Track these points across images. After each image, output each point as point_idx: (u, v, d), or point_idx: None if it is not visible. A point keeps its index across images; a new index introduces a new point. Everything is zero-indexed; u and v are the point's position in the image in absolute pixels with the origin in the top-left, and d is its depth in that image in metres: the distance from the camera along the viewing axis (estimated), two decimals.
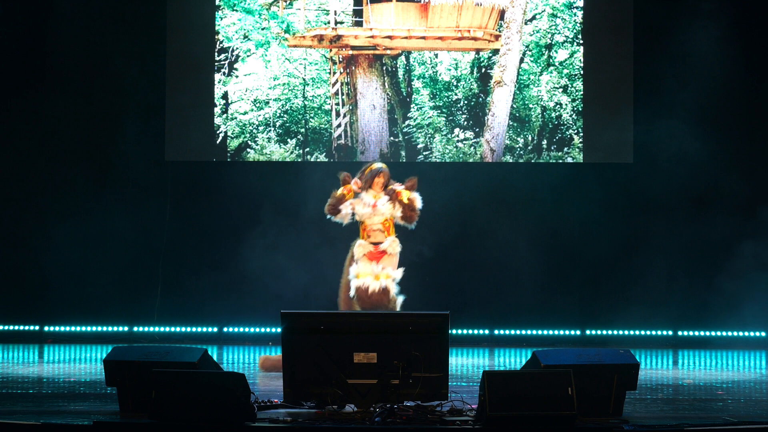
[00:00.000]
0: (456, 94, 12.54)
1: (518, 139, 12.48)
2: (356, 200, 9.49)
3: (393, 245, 9.40)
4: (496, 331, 12.31)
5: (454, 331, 11.83)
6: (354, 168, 12.40)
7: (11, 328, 12.42)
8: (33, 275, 12.35)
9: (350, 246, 9.52)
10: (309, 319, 6.92)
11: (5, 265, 12.43)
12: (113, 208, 12.47)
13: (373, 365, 6.57)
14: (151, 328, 12.39)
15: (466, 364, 10.14)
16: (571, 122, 12.47)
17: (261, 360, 9.40)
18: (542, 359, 6.70)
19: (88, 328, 12.38)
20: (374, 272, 9.23)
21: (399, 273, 9.33)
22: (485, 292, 12.25)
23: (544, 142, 12.48)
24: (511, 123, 12.48)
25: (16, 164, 12.48)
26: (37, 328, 12.43)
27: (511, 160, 12.48)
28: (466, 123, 12.52)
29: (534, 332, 12.22)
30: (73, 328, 12.43)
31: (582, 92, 12.43)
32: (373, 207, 9.42)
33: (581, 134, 12.44)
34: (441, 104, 12.55)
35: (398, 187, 9.54)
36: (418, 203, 9.49)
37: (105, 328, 12.39)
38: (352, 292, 9.23)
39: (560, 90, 12.48)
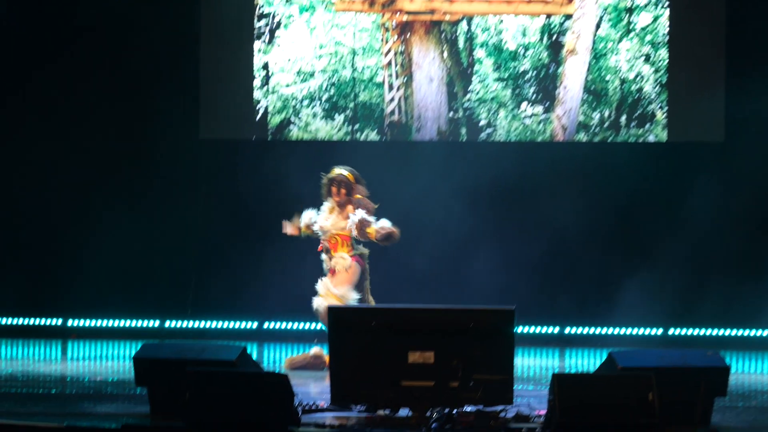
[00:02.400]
0: (523, 65, 12.51)
1: (593, 114, 12.43)
2: (308, 216, 9.88)
3: (340, 263, 9.62)
4: (566, 330, 12.29)
5: (519, 329, 11.83)
6: (408, 147, 12.47)
7: (32, 322, 12.60)
8: (55, 264, 12.53)
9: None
10: (359, 314, 6.97)
11: (26, 255, 12.61)
12: (142, 192, 12.60)
13: (430, 366, 6.60)
14: (185, 323, 12.51)
15: (533, 366, 10.15)
16: (653, 96, 12.40)
17: (286, 362, 9.65)
18: (619, 361, 6.70)
19: (116, 323, 12.52)
20: (325, 289, 9.52)
21: (349, 294, 9.51)
22: (553, 286, 12.22)
23: (623, 118, 12.42)
24: (585, 97, 12.43)
25: (37, 146, 12.64)
26: (60, 322, 12.60)
27: (585, 139, 12.43)
28: (534, 97, 12.49)
29: (610, 331, 12.18)
30: (99, 323, 12.58)
31: (667, 62, 12.35)
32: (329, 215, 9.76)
33: (665, 109, 12.37)
34: (506, 76, 12.53)
35: (369, 221, 9.63)
36: (379, 233, 9.62)
37: (134, 323, 12.52)
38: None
39: (642, 59, 12.41)
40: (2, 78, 12.73)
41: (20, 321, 12.62)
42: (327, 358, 9.42)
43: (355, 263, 9.62)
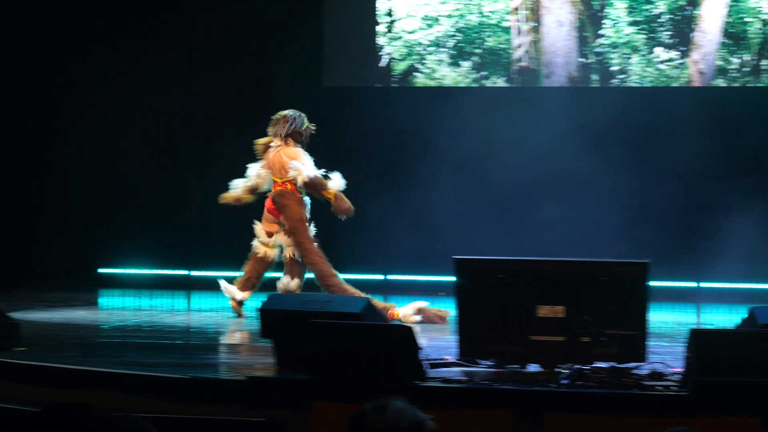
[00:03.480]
0: (658, 7, 12.21)
1: (732, 59, 12.10)
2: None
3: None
4: (702, 284, 12.04)
5: (654, 283, 11.63)
6: (535, 94, 12.31)
7: (157, 272, 12.81)
8: (181, 214, 12.70)
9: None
10: (486, 266, 6.89)
11: (151, 206, 12.81)
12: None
13: (560, 320, 6.50)
14: (308, 274, 12.57)
15: (668, 321, 9.98)
16: None
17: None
18: (761, 317, 6.52)
19: (240, 274, 12.62)
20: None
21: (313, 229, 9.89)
22: (690, 236, 11.97)
23: (765, 62, 12.06)
24: (724, 40, 12.09)
25: (159, 95, 12.79)
26: (185, 273, 12.78)
27: (723, 84, 12.12)
28: (669, 41, 12.20)
29: (750, 286, 11.90)
30: (222, 273, 12.72)
31: None
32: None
33: None
34: (640, 19, 12.25)
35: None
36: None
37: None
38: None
39: None
40: (117, 27, 12.89)
41: (145, 271, 12.84)
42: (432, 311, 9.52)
43: None
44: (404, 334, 6.36)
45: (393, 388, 4.40)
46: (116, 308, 11.40)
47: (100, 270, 13.07)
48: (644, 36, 12.25)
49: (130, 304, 11.42)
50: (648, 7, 12.23)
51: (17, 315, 8.29)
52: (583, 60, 12.35)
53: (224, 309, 10.22)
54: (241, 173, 12.56)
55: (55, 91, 13.16)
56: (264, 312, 7.01)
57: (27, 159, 13.31)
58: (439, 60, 12.55)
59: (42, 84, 13.19)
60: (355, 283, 12.28)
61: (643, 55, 12.25)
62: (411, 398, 3.50)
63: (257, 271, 9.81)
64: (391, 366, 6.24)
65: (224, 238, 12.58)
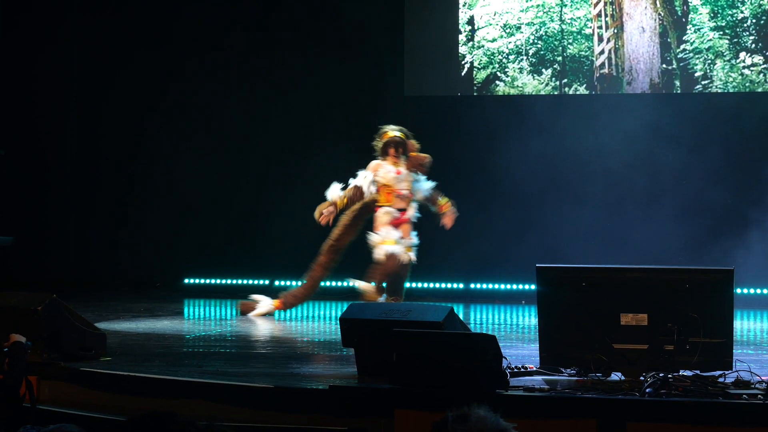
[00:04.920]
0: (742, 12, 12.08)
1: None
2: (373, 166, 10.09)
3: (414, 214, 10.15)
4: None
5: (738, 290, 11.50)
6: (617, 101, 12.23)
7: (241, 282, 12.93)
8: (262, 225, 12.82)
9: (357, 205, 10.09)
10: (569, 274, 6.87)
11: (237, 218, 12.94)
12: (347, 152, 12.72)
13: (644, 328, 6.46)
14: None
15: (753, 329, 9.86)
16: None
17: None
18: None
19: (322, 283, 12.69)
20: (403, 242, 9.97)
21: (416, 239, 10.10)
22: None
23: None
24: None
25: (238, 114, 12.93)
26: (267, 282, 12.88)
27: None
28: (754, 46, 12.06)
29: None
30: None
31: None
32: (398, 173, 10.03)
33: None
34: (723, 24, 12.13)
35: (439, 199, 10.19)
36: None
37: (338, 284, 12.68)
38: (381, 258, 9.90)
39: None
40: (204, 41, 13.06)
41: (228, 281, 12.96)
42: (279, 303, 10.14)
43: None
44: (487, 342, 6.36)
45: (475, 396, 4.41)
46: (201, 318, 11.52)
47: (186, 280, 13.23)
48: (728, 41, 12.13)
49: (214, 314, 11.53)
50: (732, 11, 12.11)
51: (103, 325, 8.42)
52: (666, 66, 12.25)
53: (305, 318, 10.28)
54: (326, 183, 12.64)
55: (144, 103, 13.35)
56: (345, 321, 7.04)
57: (114, 169, 13.51)
58: (520, 68, 12.53)
59: (131, 97, 13.39)
60: (435, 293, 12.33)
61: (726, 60, 12.13)
62: (493, 407, 3.51)
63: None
64: (473, 375, 6.24)
65: (305, 247, 12.66)
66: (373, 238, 10.07)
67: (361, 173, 10.14)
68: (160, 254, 13.18)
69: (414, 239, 10.10)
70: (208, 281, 13.09)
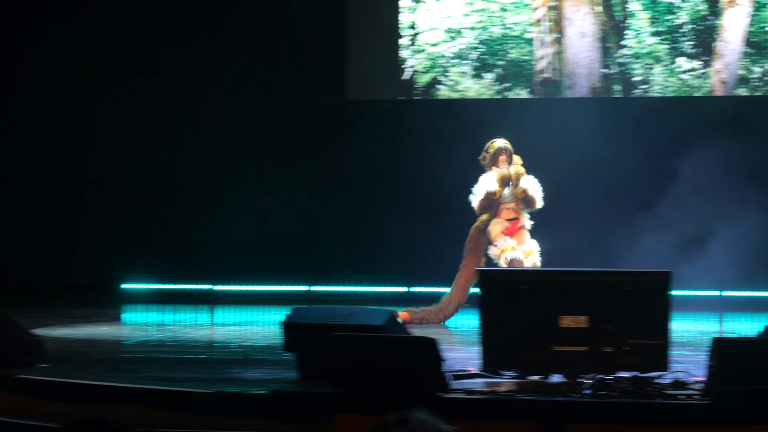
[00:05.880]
0: (680, 17, 12.22)
1: (754, 68, 12.09)
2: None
3: (527, 221, 10.13)
4: (725, 292, 12.02)
5: (676, 292, 11.62)
6: (559, 106, 12.32)
7: (181, 287, 12.87)
8: (204, 230, 12.76)
9: (473, 228, 10.13)
10: (510, 277, 6.91)
11: (176, 222, 12.88)
12: (288, 156, 12.72)
13: (583, 330, 6.51)
14: (333, 288, 12.62)
15: (690, 330, 9.96)
16: None
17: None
18: None
19: (263, 288, 12.69)
20: (522, 249, 9.94)
21: (537, 246, 10.04)
22: (713, 247, 11.94)
23: None
24: (746, 49, 12.09)
25: (176, 116, 12.88)
26: (208, 287, 12.84)
27: (746, 93, 12.10)
28: (692, 51, 12.20)
29: None
30: (246, 288, 12.77)
31: None
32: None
33: None
34: (662, 29, 12.26)
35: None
36: (533, 191, 10.07)
37: (281, 288, 12.67)
38: (504, 266, 9.83)
39: None
40: (143, 40, 12.99)
41: (169, 286, 12.90)
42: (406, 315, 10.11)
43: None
44: (428, 346, 6.38)
45: (416, 399, 4.43)
46: (139, 323, 11.46)
47: (124, 285, 13.14)
48: (667, 46, 12.26)
49: (154, 319, 11.47)
50: (670, 17, 12.24)
51: (40, 331, 8.35)
52: (606, 71, 12.36)
53: (246, 322, 10.24)
54: (268, 186, 12.64)
55: (85, 104, 13.24)
56: (287, 325, 7.04)
57: (51, 175, 13.38)
58: (462, 72, 12.59)
59: (69, 97, 13.27)
60: (377, 297, 12.35)
61: (665, 65, 12.26)
62: (434, 410, 3.53)
63: None
64: (414, 378, 6.26)
65: (247, 252, 12.64)
66: (492, 251, 10.04)
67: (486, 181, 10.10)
68: (98, 259, 13.08)
69: (532, 245, 10.02)
70: (147, 286, 13.01)
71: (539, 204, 10.08)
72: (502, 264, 9.88)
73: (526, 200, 10.06)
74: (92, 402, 6.67)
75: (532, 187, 10.07)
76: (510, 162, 10.18)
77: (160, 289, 12.92)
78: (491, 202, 10.06)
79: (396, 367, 6.28)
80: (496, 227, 10.05)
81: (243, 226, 12.61)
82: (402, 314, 10.25)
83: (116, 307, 12.14)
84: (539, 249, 10.03)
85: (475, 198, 10.13)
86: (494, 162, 10.16)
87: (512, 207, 10.09)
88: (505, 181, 10.07)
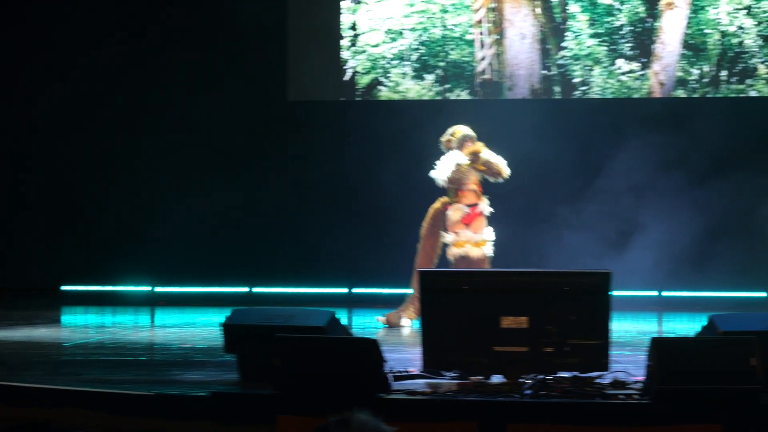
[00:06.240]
0: (619, 20, 12.32)
1: (692, 70, 12.22)
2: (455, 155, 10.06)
3: (486, 208, 10.03)
4: (664, 293, 12.14)
5: (616, 292, 11.72)
6: (499, 107, 12.38)
7: (121, 289, 12.79)
8: (144, 231, 12.69)
9: (429, 212, 10.04)
10: (450, 278, 6.94)
11: (116, 222, 12.79)
12: (229, 157, 12.68)
13: (524, 331, 6.55)
14: (274, 289, 12.60)
15: (630, 330, 10.04)
16: (755, 49, 12.15)
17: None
18: (720, 325, 6.58)
19: (204, 289, 12.65)
20: (473, 239, 9.87)
21: (492, 234, 9.97)
22: (651, 248, 12.06)
23: (724, 73, 12.19)
24: (684, 52, 12.22)
25: (119, 116, 12.80)
26: (148, 288, 12.77)
27: (683, 95, 12.23)
28: (630, 53, 12.31)
29: (709, 294, 12.01)
30: (187, 289, 12.72)
31: None
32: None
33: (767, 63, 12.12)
34: (601, 31, 12.36)
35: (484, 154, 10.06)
36: (494, 159, 10.03)
37: (222, 289, 12.64)
38: (452, 261, 9.81)
39: (743, 11, 12.15)
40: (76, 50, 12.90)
41: (109, 288, 12.82)
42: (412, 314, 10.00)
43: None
44: (369, 347, 6.39)
45: (357, 401, 4.44)
46: (79, 325, 11.37)
47: (63, 287, 13.04)
48: (606, 48, 12.35)
49: (93, 322, 11.38)
50: (609, 19, 12.34)
51: None
52: (546, 72, 12.43)
53: (187, 324, 10.20)
54: (205, 188, 12.59)
55: (23, 103, 13.12)
56: (227, 327, 7.02)
57: None
58: (403, 73, 12.61)
59: (5, 102, 13.16)
60: (318, 298, 12.35)
61: (604, 67, 12.35)
62: (375, 411, 3.53)
63: None
64: (355, 379, 6.26)
65: (188, 253, 12.59)
66: (446, 237, 9.95)
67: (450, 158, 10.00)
68: (37, 260, 12.97)
69: (487, 234, 9.93)
70: (86, 288, 12.91)
71: (506, 170, 9.99)
72: (451, 258, 9.85)
73: (491, 171, 9.98)
74: (31, 405, 6.61)
75: (492, 156, 9.99)
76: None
77: (100, 290, 12.83)
78: (461, 175, 9.96)
79: (337, 369, 6.28)
80: (456, 213, 9.95)
81: (183, 227, 12.55)
82: (382, 319, 10.23)
83: (55, 309, 12.03)
84: (494, 239, 9.97)
85: (442, 171, 10.01)
86: (461, 148, 10.10)
87: (475, 189, 9.99)
88: (474, 156, 9.99)
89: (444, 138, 10.17)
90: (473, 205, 9.99)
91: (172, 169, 12.69)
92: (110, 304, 12.20)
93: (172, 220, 12.58)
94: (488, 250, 9.93)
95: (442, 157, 10.09)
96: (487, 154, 10.01)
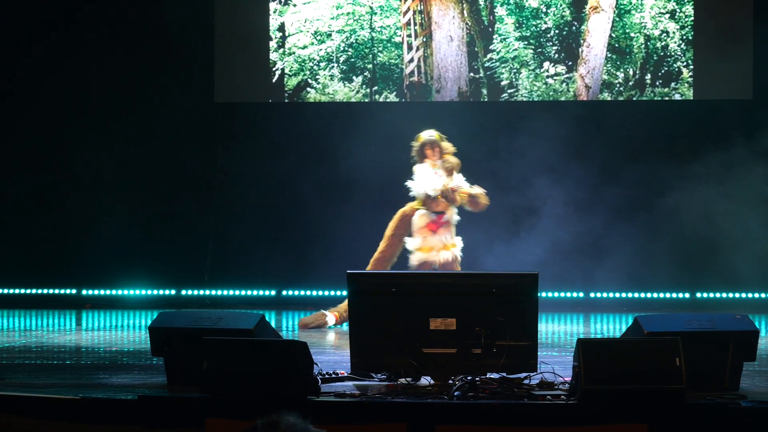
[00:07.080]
0: (545, 23, 12.42)
1: (618, 73, 12.35)
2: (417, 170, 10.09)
3: (454, 216, 9.98)
4: (591, 294, 12.26)
5: (543, 294, 11.81)
6: (427, 109, 12.42)
7: (46, 291, 12.66)
8: (69, 233, 12.56)
9: (397, 214, 10.01)
10: (379, 280, 6.94)
11: (40, 224, 12.65)
12: (156, 159, 12.59)
13: (452, 332, 6.57)
14: (202, 292, 12.54)
15: (557, 332, 10.13)
16: (679, 53, 12.30)
17: (300, 323, 10.14)
18: (645, 326, 6.66)
19: (131, 292, 12.56)
20: (441, 243, 9.82)
21: (460, 243, 9.92)
22: (579, 250, 12.17)
23: (648, 76, 12.33)
24: (609, 55, 12.34)
25: (45, 118, 12.65)
26: (74, 291, 12.65)
27: (609, 98, 12.35)
28: (557, 56, 12.40)
29: (636, 295, 12.14)
30: (113, 292, 12.63)
31: (692, 18, 12.24)
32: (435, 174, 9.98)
33: (691, 67, 12.27)
34: (528, 34, 12.44)
35: (463, 186, 9.99)
36: (475, 191, 9.99)
37: (150, 292, 12.56)
38: (413, 264, 9.78)
39: (667, 16, 12.30)
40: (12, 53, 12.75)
41: (34, 291, 12.67)
42: (336, 315, 9.99)
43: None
44: (297, 349, 6.38)
45: (286, 403, 4.43)
46: (3, 329, 11.22)
47: None
48: (532, 51, 12.44)
49: (18, 325, 11.25)
50: (536, 22, 12.42)
51: None
52: (473, 75, 12.49)
53: (114, 327, 10.11)
54: (132, 190, 12.49)
55: None
56: (154, 330, 6.97)
57: None
58: (331, 75, 12.61)
59: None
60: (246, 301, 12.31)
61: (531, 70, 12.44)
62: (304, 413, 3.53)
63: None
64: (284, 381, 6.25)
65: (115, 255, 12.48)
66: (409, 242, 9.93)
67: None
68: None
69: (453, 241, 9.86)
70: (11, 291, 12.76)
71: (484, 200, 9.98)
72: (413, 263, 9.84)
73: (474, 203, 9.96)
74: None
75: (466, 188, 9.97)
76: (441, 154, 10.07)
77: (25, 293, 12.68)
78: (451, 193, 9.95)
79: (265, 371, 6.27)
80: (422, 219, 9.94)
81: (110, 229, 12.45)
82: (331, 315, 10.18)
83: None
84: (461, 245, 9.95)
85: (417, 188, 9.99)
86: (421, 157, 10.06)
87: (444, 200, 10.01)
88: (451, 171, 9.96)
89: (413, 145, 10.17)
90: (441, 213, 9.99)
91: (99, 171, 12.56)
92: (36, 307, 12.07)
93: (98, 222, 12.46)
94: (449, 256, 9.86)
95: (416, 170, 10.07)
96: (458, 183, 9.97)
